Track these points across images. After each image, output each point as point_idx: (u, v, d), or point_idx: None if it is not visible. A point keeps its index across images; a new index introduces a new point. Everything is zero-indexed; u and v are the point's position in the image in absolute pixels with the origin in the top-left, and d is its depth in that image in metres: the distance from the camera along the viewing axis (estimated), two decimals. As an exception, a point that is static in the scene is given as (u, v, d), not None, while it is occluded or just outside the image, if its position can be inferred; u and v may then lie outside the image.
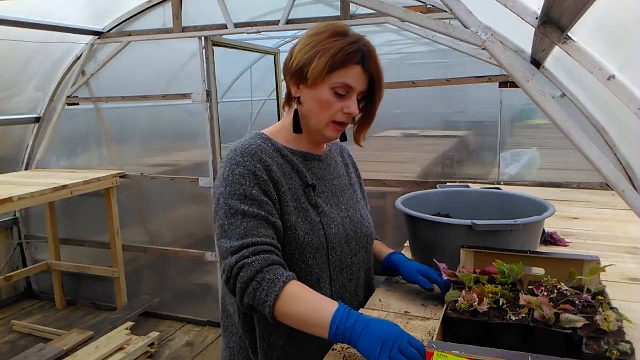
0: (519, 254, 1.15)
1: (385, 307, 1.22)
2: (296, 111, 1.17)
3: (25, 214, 4.19)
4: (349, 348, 1.03)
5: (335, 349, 1.04)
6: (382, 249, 1.38)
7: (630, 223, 1.90)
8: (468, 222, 1.25)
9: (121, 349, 3.04)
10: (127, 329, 3.24)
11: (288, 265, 1.09)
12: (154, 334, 3.28)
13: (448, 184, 2.78)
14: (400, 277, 1.30)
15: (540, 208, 1.39)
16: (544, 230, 1.59)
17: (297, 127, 1.17)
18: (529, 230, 1.29)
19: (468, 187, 2.16)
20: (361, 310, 1.21)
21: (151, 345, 3.19)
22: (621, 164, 2.38)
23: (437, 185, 2.08)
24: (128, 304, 3.72)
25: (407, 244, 1.59)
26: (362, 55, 1.09)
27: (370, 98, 1.16)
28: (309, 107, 1.13)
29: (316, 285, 1.14)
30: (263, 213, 1.06)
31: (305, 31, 1.16)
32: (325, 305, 0.97)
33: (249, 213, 1.06)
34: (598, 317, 0.86)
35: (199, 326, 3.68)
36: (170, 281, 3.84)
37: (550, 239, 1.68)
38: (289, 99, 1.19)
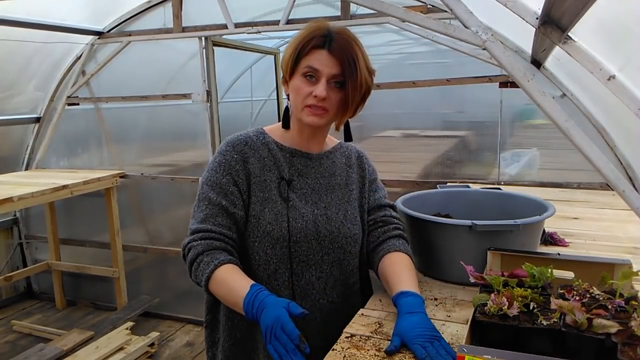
0: (548, 256, 1.14)
1: (385, 307, 1.22)
2: (286, 107, 1.24)
3: (25, 214, 4.19)
4: (349, 348, 1.03)
5: (335, 349, 1.04)
6: (394, 280, 1.16)
7: (630, 223, 1.90)
8: (468, 222, 1.25)
9: (121, 349, 3.04)
10: (127, 329, 3.24)
11: (249, 253, 1.19)
12: (154, 334, 3.28)
13: (448, 184, 2.78)
14: None
15: (540, 208, 1.39)
16: (544, 230, 1.59)
17: (285, 121, 1.24)
18: (529, 230, 1.29)
19: (468, 187, 2.16)
20: (361, 311, 1.21)
21: (151, 345, 3.19)
22: (621, 164, 2.38)
23: (437, 185, 2.08)
24: (128, 304, 3.71)
25: (407, 244, 1.59)
26: (327, 39, 1.12)
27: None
28: (290, 98, 1.20)
29: (272, 276, 1.19)
30: (224, 202, 1.16)
31: None
32: (239, 290, 1.05)
33: (213, 201, 1.17)
34: (633, 323, 0.84)
35: (199, 326, 3.67)
36: (170, 281, 3.84)
37: (550, 239, 1.68)
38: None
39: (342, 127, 1.25)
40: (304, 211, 1.20)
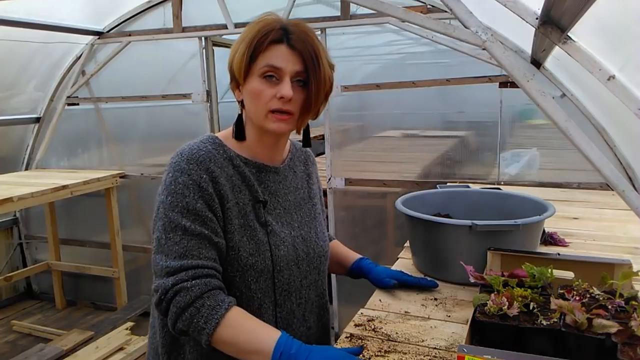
0: (548, 256, 1.14)
1: (385, 307, 1.22)
2: (239, 116, 1.10)
3: (25, 214, 4.19)
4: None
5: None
6: (346, 253, 1.37)
7: (630, 223, 1.90)
8: (468, 222, 1.25)
9: (121, 349, 3.04)
10: (127, 329, 3.24)
11: (227, 289, 1.02)
12: (154, 334, 3.27)
13: (448, 184, 2.78)
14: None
15: (540, 208, 1.39)
16: (544, 230, 1.59)
17: (238, 133, 1.09)
18: (529, 230, 1.29)
19: (468, 187, 2.16)
20: (361, 310, 1.21)
21: (151, 345, 3.19)
22: (621, 164, 2.38)
23: (437, 185, 2.08)
24: (128, 304, 3.71)
25: (407, 244, 1.59)
26: (284, 33, 1.00)
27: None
28: (247, 104, 1.05)
29: (257, 312, 1.04)
30: (206, 231, 0.98)
31: None
32: (268, 332, 0.93)
33: (190, 230, 0.97)
34: (633, 323, 0.84)
35: (199, 326, 3.67)
36: (170, 281, 3.83)
37: (550, 239, 1.68)
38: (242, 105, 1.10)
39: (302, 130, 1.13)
40: (283, 235, 1.08)
